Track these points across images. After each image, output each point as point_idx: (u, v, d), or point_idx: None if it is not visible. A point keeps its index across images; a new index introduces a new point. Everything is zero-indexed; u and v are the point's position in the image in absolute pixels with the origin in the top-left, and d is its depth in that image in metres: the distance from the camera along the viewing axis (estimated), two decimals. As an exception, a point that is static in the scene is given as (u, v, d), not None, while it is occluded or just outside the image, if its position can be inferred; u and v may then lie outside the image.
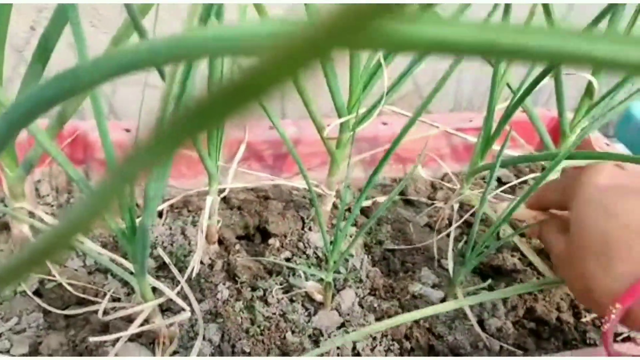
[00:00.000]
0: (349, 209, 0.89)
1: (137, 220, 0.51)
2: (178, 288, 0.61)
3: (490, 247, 0.70)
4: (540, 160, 0.78)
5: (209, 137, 0.65)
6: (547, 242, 0.62)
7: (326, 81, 0.68)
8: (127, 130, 0.84)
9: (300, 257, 0.78)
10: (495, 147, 0.92)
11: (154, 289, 0.60)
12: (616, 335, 0.74)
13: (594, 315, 0.74)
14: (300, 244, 0.80)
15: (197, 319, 0.67)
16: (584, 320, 0.74)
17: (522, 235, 0.81)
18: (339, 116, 0.71)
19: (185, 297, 0.67)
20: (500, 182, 1.02)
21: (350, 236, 0.83)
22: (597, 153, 0.76)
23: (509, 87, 0.76)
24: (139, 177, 0.17)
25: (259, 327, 0.66)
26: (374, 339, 0.68)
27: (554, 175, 0.85)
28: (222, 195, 0.77)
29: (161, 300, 0.58)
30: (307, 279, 0.74)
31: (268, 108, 0.68)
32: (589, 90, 0.79)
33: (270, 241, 0.80)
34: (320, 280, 0.71)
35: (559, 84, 0.77)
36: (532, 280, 0.78)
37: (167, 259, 0.70)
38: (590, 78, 0.77)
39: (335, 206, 0.88)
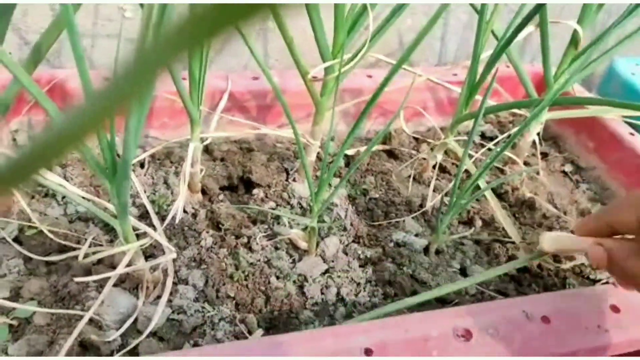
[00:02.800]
0: (332, 161, 0.89)
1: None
2: (158, 231, 0.61)
3: (470, 197, 0.70)
4: (523, 106, 0.78)
5: (191, 80, 0.63)
6: (627, 268, 0.51)
7: (311, 26, 0.67)
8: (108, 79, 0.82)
9: (284, 207, 0.78)
10: (480, 98, 0.92)
11: (138, 236, 0.60)
12: (596, 281, 0.76)
13: (574, 262, 0.76)
14: (285, 195, 0.79)
15: (181, 266, 0.67)
16: (564, 267, 0.75)
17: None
18: (324, 61, 0.70)
19: (169, 242, 0.66)
20: (484, 136, 1.02)
21: (334, 187, 0.83)
22: (580, 98, 0.76)
23: (494, 34, 0.76)
24: (120, 108, 0.16)
25: (243, 272, 0.66)
26: (358, 284, 0.69)
27: (536, 125, 0.85)
28: (204, 144, 0.76)
29: (144, 241, 0.57)
30: (291, 227, 0.73)
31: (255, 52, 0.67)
32: (574, 39, 0.78)
33: (255, 191, 0.79)
34: (305, 227, 0.71)
35: (545, 33, 0.76)
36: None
37: (149, 207, 0.69)
38: (575, 26, 0.77)
39: (319, 158, 0.88)
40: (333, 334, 0.53)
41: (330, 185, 0.83)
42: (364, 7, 0.67)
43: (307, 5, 0.64)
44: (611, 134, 0.91)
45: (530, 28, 0.78)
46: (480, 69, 0.75)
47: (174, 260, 0.67)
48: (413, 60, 1.31)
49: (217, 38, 0.13)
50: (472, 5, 0.80)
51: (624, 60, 1.10)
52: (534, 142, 0.89)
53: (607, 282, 0.73)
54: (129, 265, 0.59)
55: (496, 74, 0.67)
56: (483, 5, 0.70)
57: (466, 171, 0.84)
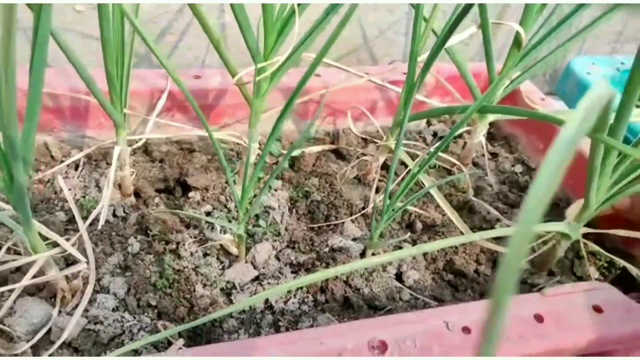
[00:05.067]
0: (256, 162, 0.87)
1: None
2: (74, 239, 0.59)
3: (408, 199, 0.69)
4: (452, 112, 0.77)
5: (110, 84, 0.61)
6: None
7: (239, 27, 0.65)
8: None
9: (221, 210, 0.76)
10: (423, 98, 0.90)
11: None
12: (533, 286, 0.75)
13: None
14: (222, 198, 0.78)
15: (105, 273, 0.65)
16: (502, 272, 0.74)
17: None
18: (256, 63, 0.68)
19: (95, 247, 0.65)
20: (436, 136, 1.01)
21: (275, 189, 0.82)
22: (501, 107, 0.74)
23: (434, 32, 0.74)
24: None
25: (167, 279, 0.65)
26: (289, 291, 0.68)
27: (481, 126, 0.84)
28: (135, 146, 0.74)
29: (55, 251, 0.55)
30: (225, 232, 0.72)
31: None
32: (516, 40, 0.77)
33: (191, 194, 0.77)
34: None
35: (487, 34, 0.75)
36: (455, 236, 0.78)
37: (75, 211, 0.67)
38: (517, 28, 0.75)
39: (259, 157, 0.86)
40: (245, 347, 0.51)
41: (270, 187, 0.82)
42: (292, 10, 0.65)
43: (232, 5, 0.62)
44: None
45: (472, 29, 0.77)
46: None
47: (98, 268, 0.65)
48: (377, 55, 1.30)
49: None
50: (411, 4, 0.79)
51: (581, 59, 1.09)
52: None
53: (543, 287, 0.72)
54: (42, 274, 0.57)
55: (425, 74, 0.66)
56: (418, 5, 0.68)
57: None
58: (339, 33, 0.55)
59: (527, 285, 0.74)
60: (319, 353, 0.52)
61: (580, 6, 0.75)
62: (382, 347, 0.53)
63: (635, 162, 0.62)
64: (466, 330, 0.56)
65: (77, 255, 0.56)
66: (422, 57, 0.73)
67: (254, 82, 0.69)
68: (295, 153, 0.87)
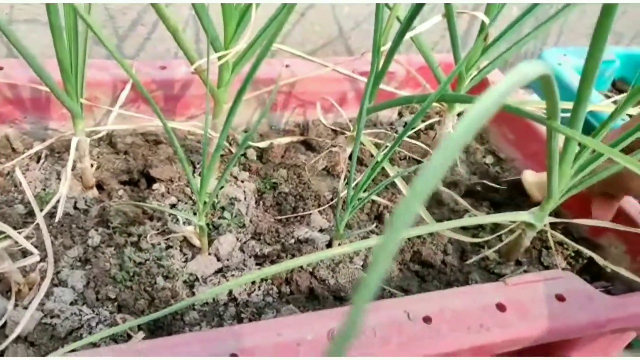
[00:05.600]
0: (245, 154, 0.86)
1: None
2: (27, 231, 0.58)
3: (373, 190, 0.68)
4: (411, 102, 0.77)
5: (63, 73, 0.60)
6: None
7: (197, 16, 0.64)
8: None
9: (186, 202, 0.75)
10: (394, 90, 0.90)
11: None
12: (501, 275, 0.75)
13: (480, 255, 0.74)
14: (188, 190, 0.77)
15: (64, 266, 0.64)
16: (469, 262, 0.74)
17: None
18: (216, 52, 0.67)
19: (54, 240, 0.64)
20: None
21: (242, 181, 0.81)
22: (460, 96, 0.74)
23: (399, 20, 0.73)
24: None
25: (127, 272, 0.63)
26: (253, 283, 0.67)
27: (450, 117, 0.84)
28: (96, 137, 0.73)
29: (6, 244, 0.54)
30: (189, 223, 0.71)
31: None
32: (482, 30, 0.77)
33: (155, 186, 0.76)
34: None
35: (452, 24, 0.75)
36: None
37: (33, 204, 0.66)
38: (482, 17, 0.75)
39: (230, 151, 0.85)
40: (201, 339, 0.51)
41: (236, 178, 0.81)
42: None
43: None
44: (528, 126, 0.90)
45: (437, 17, 0.76)
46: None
47: (57, 261, 0.64)
48: (353, 47, 1.29)
49: None
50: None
51: (552, 50, 1.10)
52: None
53: (510, 275, 0.72)
54: (-5, 267, 0.56)
55: (389, 63, 0.65)
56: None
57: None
58: (285, 20, 0.54)
59: (494, 275, 0.74)
60: (276, 344, 0.51)
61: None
62: (342, 338, 0.53)
63: (598, 152, 0.62)
64: (427, 320, 0.56)
65: (30, 247, 0.55)
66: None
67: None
68: (264, 144, 0.86)
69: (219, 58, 0.67)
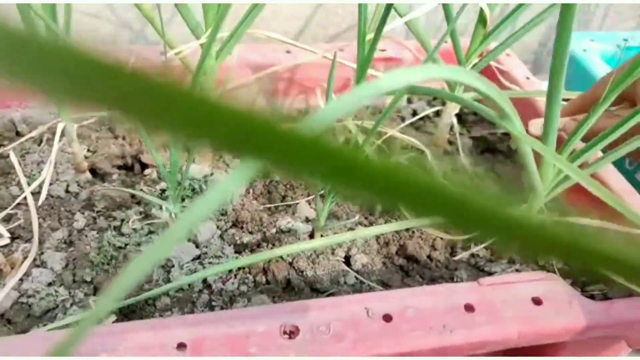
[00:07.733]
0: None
1: None
2: (4, 213, 0.60)
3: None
4: (407, 93, 0.74)
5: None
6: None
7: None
8: None
9: (177, 188, 0.76)
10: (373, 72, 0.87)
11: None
12: (490, 273, 0.72)
13: (469, 252, 0.72)
14: (179, 176, 0.77)
15: (49, 247, 0.66)
16: (456, 258, 0.72)
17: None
18: (197, 38, 0.67)
19: (42, 222, 0.66)
20: (415, 114, 0.98)
21: (234, 169, 0.81)
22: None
23: (397, 11, 0.71)
24: None
25: (105, 256, 0.65)
26: (230, 271, 0.67)
27: (452, 106, 0.81)
28: (88, 122, 0.75)
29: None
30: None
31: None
32: (481, 17, 0.73)
33: (147, 172, 0.78)
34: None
35: (449, 11, 0.71)
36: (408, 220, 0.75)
37: (24, 185, 0.69)
38: (481, 4, 0.71)
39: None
40: (149, 327, 0.51)
41: (228, 165, 0.81)
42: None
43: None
44: (539, 116, 0.85)
45: (434, 3, 0.73)
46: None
47: (42, 242, 0.67)
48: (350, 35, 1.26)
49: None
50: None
51: (576, 35, 1.03)
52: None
53: (500, 274, 0.69)
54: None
55: (374, 50, 0.63)
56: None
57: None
58: (259, 11, 0.53)
59: (483, 273, 0.71)
60: (225, 335, 0.51)
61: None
62: (296, 332, 0.52)
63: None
64: (387, 318, 0.55)
65: (1, 230, 0.58)
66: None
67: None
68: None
69: (202, 45, 0.67)
